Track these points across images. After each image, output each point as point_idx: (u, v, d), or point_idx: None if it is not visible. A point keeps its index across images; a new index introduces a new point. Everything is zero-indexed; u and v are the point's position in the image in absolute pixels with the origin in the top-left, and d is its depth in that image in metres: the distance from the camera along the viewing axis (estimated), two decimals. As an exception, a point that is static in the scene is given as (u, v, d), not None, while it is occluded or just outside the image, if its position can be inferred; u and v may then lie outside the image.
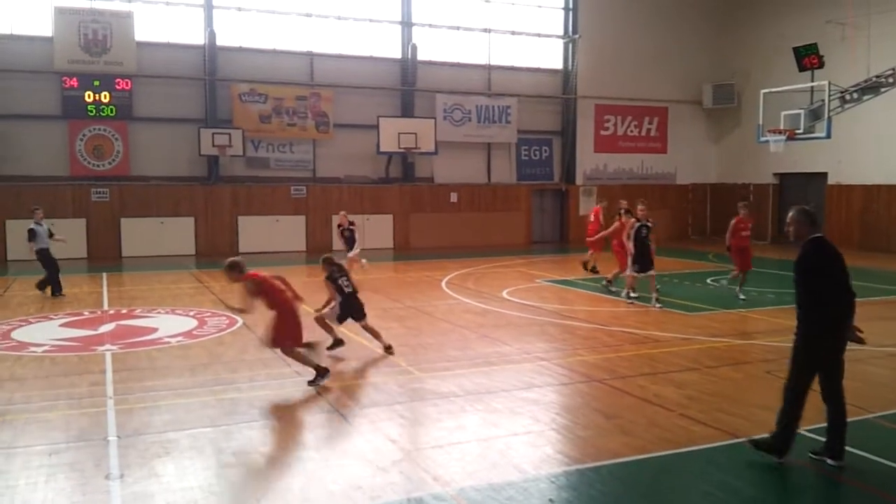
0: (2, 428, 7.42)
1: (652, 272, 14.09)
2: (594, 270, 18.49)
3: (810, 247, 6.05)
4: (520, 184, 28.91)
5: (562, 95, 29.45)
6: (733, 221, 15.05)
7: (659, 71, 30.29)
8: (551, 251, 26.22)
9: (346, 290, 10.19)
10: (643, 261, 14.03)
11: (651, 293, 14.02)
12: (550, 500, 5.62)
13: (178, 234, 24.00)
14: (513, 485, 5.85)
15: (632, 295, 14.52)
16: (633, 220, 14.26)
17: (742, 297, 14.67)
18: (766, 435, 6.27)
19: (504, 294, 15.68)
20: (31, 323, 12.67)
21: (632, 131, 30.74)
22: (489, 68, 28.24)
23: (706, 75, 30.91)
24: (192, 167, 24.51)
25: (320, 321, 10.20)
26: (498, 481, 5.92)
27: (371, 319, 12.83)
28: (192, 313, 13.39)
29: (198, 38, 24.45)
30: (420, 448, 6.79)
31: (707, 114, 31.53)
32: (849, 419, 6.07)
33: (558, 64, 29.53)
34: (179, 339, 11.27)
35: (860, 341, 6.04)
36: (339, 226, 18.55)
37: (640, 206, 14.32)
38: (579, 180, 29.76)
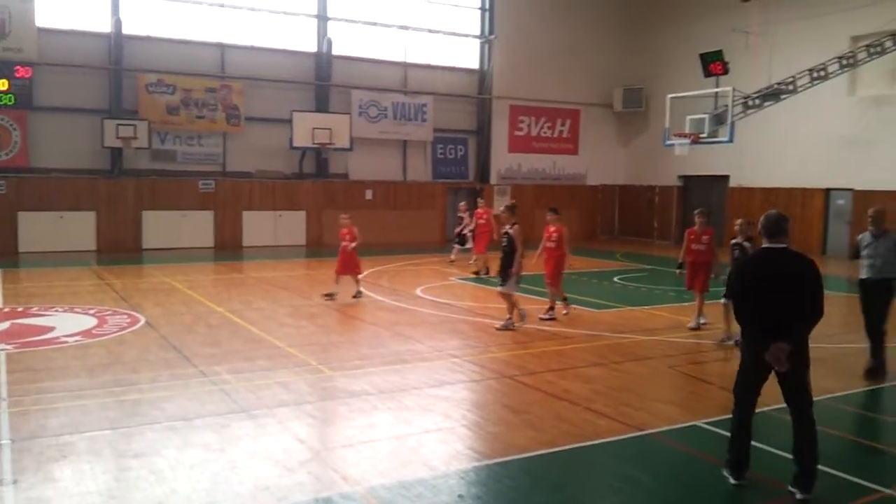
0: None
1: (502, 289, 11.87)
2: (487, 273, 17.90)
3: (750, 256, 5.86)
4: (435, 182, 29.00)
5: (477, 95, 29.70)
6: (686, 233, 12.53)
7: (572, 74, 30.92)
8: (465, 249, 26.32)
9: None
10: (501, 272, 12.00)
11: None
12: (460, 496, 5.65)
13: (78, 228, 22.98)
14: (423, 482, 5.86)
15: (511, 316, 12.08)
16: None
17: (693, 324, 12.09)
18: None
19: (418, 292, 15.69)
20: (-86, 321, 11.92)
21: (545, 132, 31.28)
22: (406, 66, 28.21)
23: (617, 79, 31.76)
24: (95, 159, 23.52)
25: None
26: (408, 479, 5.92)
27: (281, 317, 12.70)
28: (92, 311, 12.85)
29: (104, 25, 23.50)
30: (330, 447, 6.72)
31: (617, 117, 32.39)
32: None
33: (474, 64, 29.77)
34: (78, 338, 10.80)
35: (780, 365, 5.53)
36: None
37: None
38: (493, 179, 30.08)
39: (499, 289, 12.05)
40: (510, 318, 11.83)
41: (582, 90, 31.41)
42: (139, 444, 6.59)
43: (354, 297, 14.50)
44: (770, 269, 5.66)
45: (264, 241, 25.44)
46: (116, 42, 23.42)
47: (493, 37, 29.23)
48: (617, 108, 31.82)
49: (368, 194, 27.46)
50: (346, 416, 7.59)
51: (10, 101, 22.07)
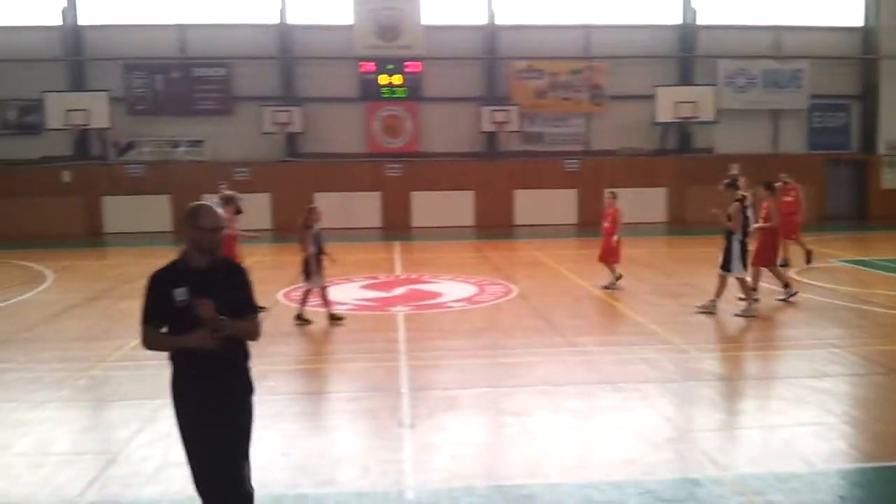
0: (313, 375, 8.55)
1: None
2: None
3: None
4: (811, 153, 26.47)
5: (862, 56, 26.36)
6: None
7: None
8: (846, 228, 23.75)
9: None
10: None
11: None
12: (841, 498, 5.24)
13: (459, 206, 25.26)
14: (798, 477, 5.52)
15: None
16: None
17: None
18: None
19: (794, 275, 14.54)
20: (336, 284, 14.12)
21: (953, 93, 26.70)
22: (777, 29, 26.08)
23: None
24: (473, 143, 25.63)
25: None
26: (782, 471, 5.62)
27: (644, 294, 12.66)
28: (472, 281, 14.15)
29: (480, 18, 25.39)
30: (695, 429, 6.65)
31: None
32: None
33: (859, 21, 26.42)
34: (462, 304, 12.00)
35: None
36: None
37: None
38: (882, 150, 26.49)
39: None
40: None
41: None
42: (514, 404, 7.17)
43: (606, 287, 12.99)
44: None
45: (628, 216, 25.44)
46: (491, 33, 25.18)
47: (885, -13, 25.68)
48: None
49: (734, 169, 26.00)
50: (711, 399, 7.44)
51: (403, 93, 25.09)
